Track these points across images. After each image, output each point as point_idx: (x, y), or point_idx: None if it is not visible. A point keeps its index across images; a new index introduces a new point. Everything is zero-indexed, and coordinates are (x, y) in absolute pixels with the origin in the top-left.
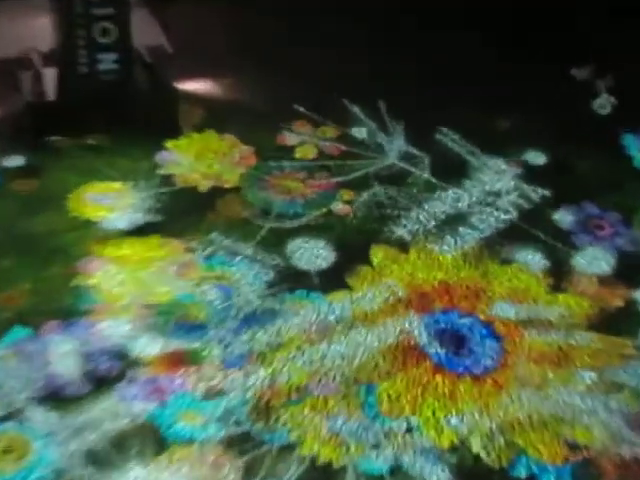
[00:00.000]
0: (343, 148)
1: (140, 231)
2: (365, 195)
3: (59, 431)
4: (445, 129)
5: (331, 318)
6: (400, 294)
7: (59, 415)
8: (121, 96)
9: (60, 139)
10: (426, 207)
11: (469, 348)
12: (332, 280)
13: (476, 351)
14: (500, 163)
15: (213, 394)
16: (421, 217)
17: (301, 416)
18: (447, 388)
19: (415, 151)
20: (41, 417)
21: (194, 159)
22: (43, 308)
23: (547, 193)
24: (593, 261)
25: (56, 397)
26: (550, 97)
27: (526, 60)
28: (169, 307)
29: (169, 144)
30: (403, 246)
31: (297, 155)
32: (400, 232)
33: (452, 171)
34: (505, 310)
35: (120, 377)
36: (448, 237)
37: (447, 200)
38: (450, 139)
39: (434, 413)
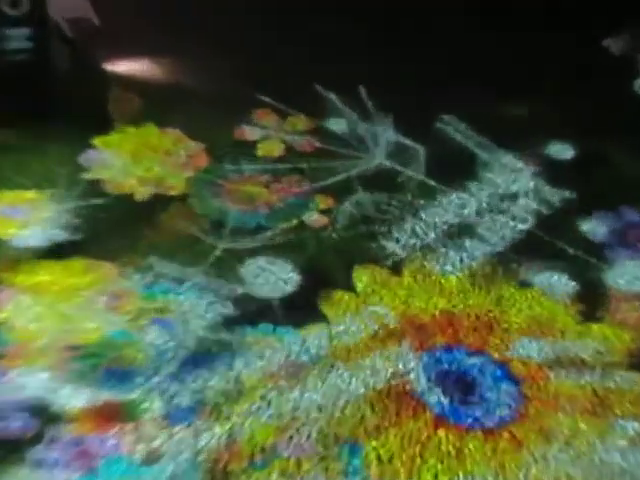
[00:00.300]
0: (317, 144)
1: (61, 252)
2: (346, 203)
3: None
4: (447, 117)
5: (304, 358)
6: (392, 326)
7: None
8: (35, 81)
9: None
10: (423, 216)
11: (479, 394)
12: (304, 310)
13: (488, 398)
14: (516, 159)
15: (155, 458)
16: (417, 229)
17: None
18: (452, 446)
19: (408, 144)
20: None
21: (129, 160)
22: None
23: (574, 196)
24: (634, 281)
25: None
26: (578, 75)
27: (546, 29)
28: (98, 348)
29: (97, 141)
30: (395, 266)
31: (259, 153)
32: (391, 248)
33: (455, 170)
34: (524, 346)
35: (37, 439)
36: (451, 253)
37: (449, 207)
38: (453, 129)
39: (436, 477)
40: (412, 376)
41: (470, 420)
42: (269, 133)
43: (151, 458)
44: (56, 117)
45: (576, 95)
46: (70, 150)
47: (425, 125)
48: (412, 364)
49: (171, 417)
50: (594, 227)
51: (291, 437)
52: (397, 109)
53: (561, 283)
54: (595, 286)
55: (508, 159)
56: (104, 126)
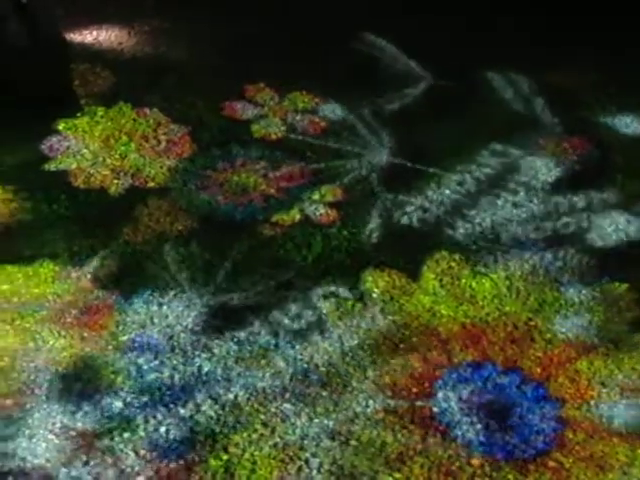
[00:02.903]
0: (323, 124)
1: (22, 256)
2: (358, 192)
3: None
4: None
5: (313, 377)
6: (415, 339)
7: None
8: None
9: None
10: (447, 201)
11: (517, 418)
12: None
13: (528, 422)
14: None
15: None
16: (440, 215)
17: None
18: (489, 478)
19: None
20: None
21: (100, 147)
22: None
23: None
24: None
25: None
26: None
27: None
28: (70, 370)
29: (61, 125)
30: (414, 268)
31: (254, 135)
32: (408, 247)
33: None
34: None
35: (2, 476)
36: (484, 253)
37: (487, 201)
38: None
39: None
40: (439, 396)
41: (508, 448)
42: (265, 111)
43: None
44: (11, 97)
45: None
46: (29, 137)
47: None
48: (439, 382)
49: (158, 449)
50: None
51: (299, 470)
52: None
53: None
54: None
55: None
56: (69, 108)
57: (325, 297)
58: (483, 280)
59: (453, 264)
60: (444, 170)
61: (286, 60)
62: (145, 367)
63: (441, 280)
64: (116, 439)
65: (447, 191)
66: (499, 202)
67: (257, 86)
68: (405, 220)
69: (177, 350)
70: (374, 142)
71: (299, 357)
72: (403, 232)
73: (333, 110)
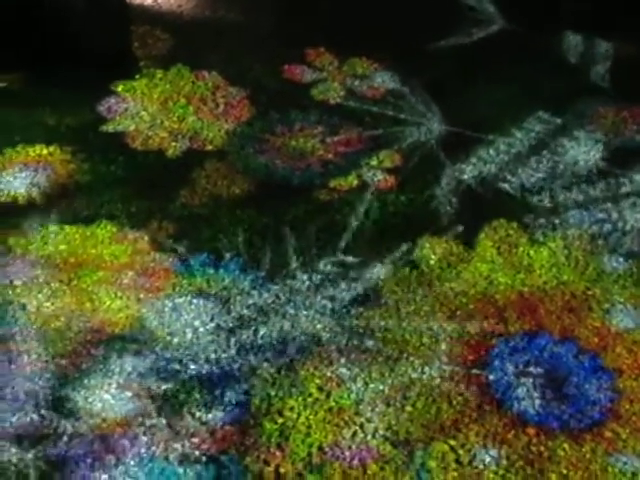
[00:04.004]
0: (382, 90)
1: (80, 217)
2: (416, 158)
3: None
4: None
5: (369, 343)
6: (471, 306)
7: None
8: (44, 16)
9: None
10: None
11: (574, 388)
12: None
13: (584, 392)
14: None
15: (194, 459)
16: (499, 182)
17: None
18: (544, 447)
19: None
20: None
21: (158, 109)
22: None
23: None
24: None
25: None
26: None
27: None
28: (126, 332)
29: (119, 87)
30: (472, 236)
31: (313, 99)
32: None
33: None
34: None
35: (55, 435)
36: (542, 221)
37: (546, 168)
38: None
39: None
40: (495, 365)
41: (563, 417)
42: (324, 76)
43: (189, 459)
44: (69, 59)
45: None
46: (87, 98)
47: None
48: (495, 351)
49: (212, 411)
50: None
51: (354, 435)
52: None
53: None
54: None
55: None
56: (127, 69)
57: (382, 263)
58: (541, 249)
59: (511, 232)
60: (502, 136)
61: (346, 25)
62: (201, 330)
63: (499, 248)
64: (171, 400)
65: (505, 157)
66: (559, 169)
67: (317, 50)
68: (463, 187)
69: (233, 313)
70: (430, 109)
71: (355, 322)
72: (461, 199)
73: (391, 77)
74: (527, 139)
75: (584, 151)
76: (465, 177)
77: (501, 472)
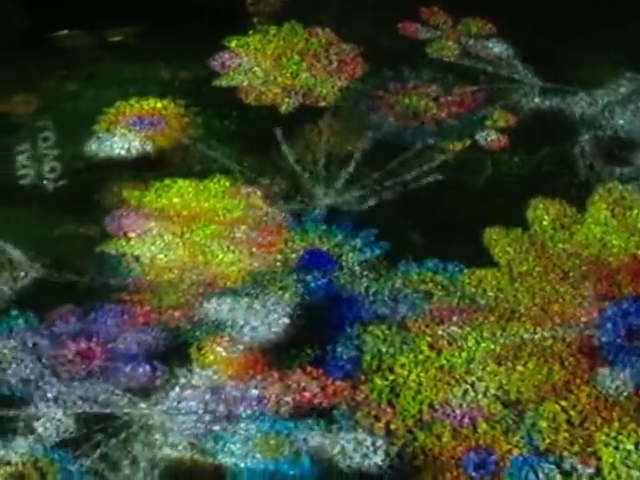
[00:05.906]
0: (496, 50)
1: (193, 171)
2: (530, 119)
3: None
4: None
5: (481, 302)
6: (584, 268)
7: None
8: None
9: (68, 35)
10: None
11: None
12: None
13: None
14: None
15: (304, 412)
16: (614, 146)
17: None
18: None
19: None
20: None
21: (271, 65)
22: (52, 285)
23: None
24: None
25: None
26: None
27: None
28: (238, 285)
29: (232, 42)
30: (585, 197)
31: (428, 56)
32: (584, 176)
33: None
34: None
35: (168, 386)
36: None
37: None
38: None
39: (638, 446)
40: (608, 327)
41: None
42: (438, 34)
43: (300, 413)
44: (182, 14)
45: None
46: (200, 53)
47: None
48: (607, 313)
49: (324, 367)
50: None
51: (465, 393)
52: None
53: None
54: None
55: None
56: (241, 25)
57: (494, 224)
58: None
59: (625, 194)
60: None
61: None
62: (313, 285)
63: (613, 210)
64: (282, 355)
65: (621, 121)
66: None
67: (432, 9)
68: (576, 149)
69: (345, 269)
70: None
71: (467, 281)
72: (574, 161)
73: (504, 39)
74: None
75: None
76: (580, 139)
77: (613, 434)
